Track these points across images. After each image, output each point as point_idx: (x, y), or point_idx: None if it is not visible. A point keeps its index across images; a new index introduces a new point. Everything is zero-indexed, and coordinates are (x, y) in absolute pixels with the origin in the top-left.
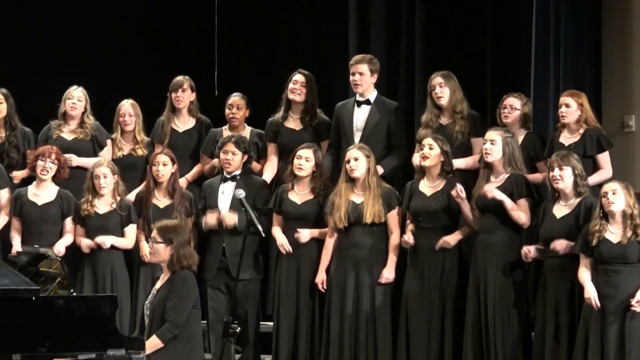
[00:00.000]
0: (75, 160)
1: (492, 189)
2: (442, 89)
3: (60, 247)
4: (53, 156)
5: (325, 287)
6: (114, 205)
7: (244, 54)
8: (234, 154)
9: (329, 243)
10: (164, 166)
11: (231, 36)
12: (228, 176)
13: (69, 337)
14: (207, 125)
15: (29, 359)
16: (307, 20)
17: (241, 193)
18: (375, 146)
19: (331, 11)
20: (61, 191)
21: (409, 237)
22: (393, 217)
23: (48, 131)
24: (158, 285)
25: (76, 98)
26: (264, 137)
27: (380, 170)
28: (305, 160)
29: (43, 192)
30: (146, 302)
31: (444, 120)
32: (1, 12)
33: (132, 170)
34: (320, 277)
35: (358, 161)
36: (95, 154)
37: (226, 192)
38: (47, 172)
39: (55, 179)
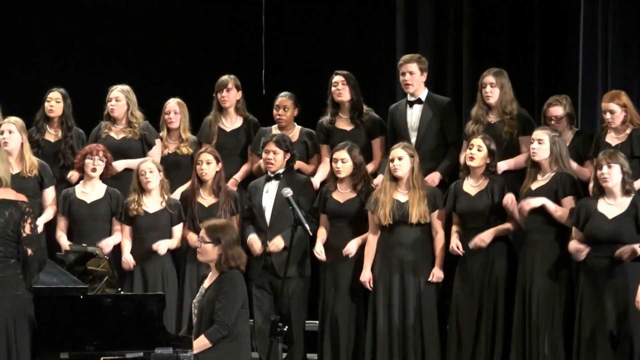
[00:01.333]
0: (118, 166)
1: (528, 203)
2: (493, 89)
3: (107, 243)
4: (101, 154)
5: (371, 286)
6: (164, 204)
7: (292, 52)
8: (275, 153)
9: (372, 241)
10: (207, 165)
11: (279, 34)
12: (272, 175)
13: (117, 336)
14: (255, 125)
15: (77, 357)
16: (354, 19)
17: (288, 192)
18: (432, 144)
19: (378, 9)
20: (109, 189)
21: (457, 244)
22: (437, 217)
23: (98, 131)
24: (206, 284)
25: (114, 99)
26: (315, 139)
27: (437, 179)
28: (341, 162)
29: (91, 191)
30: (194, 301)
31: (492, 118)
32: (51, 13)
33: (176, 169)
34: (367, 276)
35: (402, 160)
36: (144, 154)
37: (270, 191)
38: (96, 169)
39: (102, 176)
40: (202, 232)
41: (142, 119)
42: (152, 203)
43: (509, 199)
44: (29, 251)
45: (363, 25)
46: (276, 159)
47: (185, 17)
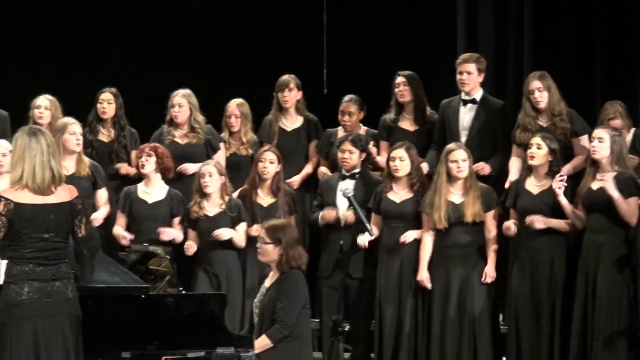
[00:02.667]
0: (190, 168)
1: (610, 181)
2: (542, 94)
3: (167, 231)
4: (147, 149)
5: (429, 284)
6: (223, 207)
7: (353, 50)
8: (351, 152)
9: (427, 240)
10: (270, 164)
11: (340, 33)
12: (346, 174)
13: (178, 335)
14: (315, 124)
15: (139, 356)
16: (415, 18)
17: (350, 192)
18: (481, 145)
19: (439, 8)
20: (171, 191)
21: (510, 226)
22: (492, 217)
23: (160, 135)
24: (267, 283)
25: (177, 105)
26: (377, 135)
27: (488, 169)
28: (399, 160)
29: (153, 191)
30: (255, 300)
31: (542, 122)
32: (110, 14)
33: (237, 169)
34: (424, 275)
35: (465, 162)
36: (208, 158)
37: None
38: (144, 166)
39: (163, 177)
40: (263, 233)
41: (204, 123)
42: (212, 206)
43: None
44: (85, 251)
45: (424, 24)
46: (352, 158)
47: (247, 17)
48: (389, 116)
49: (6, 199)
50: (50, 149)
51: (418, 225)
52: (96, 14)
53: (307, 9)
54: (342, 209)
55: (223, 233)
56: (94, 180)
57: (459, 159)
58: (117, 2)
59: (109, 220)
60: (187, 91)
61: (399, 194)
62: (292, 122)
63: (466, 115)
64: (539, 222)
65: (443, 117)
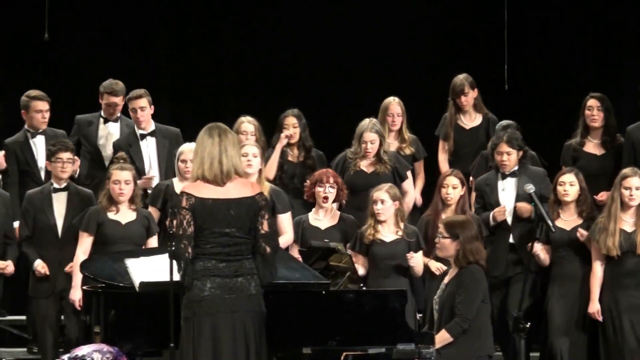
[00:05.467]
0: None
1: None
2: None
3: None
4: (331, 180)
5: (601, 316)
6: (400, 233)
7: (534, 45)
8: (508, 154)
9: (598, 270)
10: (453, 189)
11: (521, 28)
12: (506, 173)
13: (359, 331)
14: (494, 122)
15: (319, 352)
16: (596, 14)
17: (531, 188)
18: None
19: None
20: (343, 215)
21: None
22: None
23: (343, 162)
24: (446, 280)
25: (369, 142)
26: (560, 161)
27: None
28: (569, 185)
29: (325, 217)
30: (434, 297)
31: None
32: (292, 33)
33: None
34: (595, 307)
35: (639, 190)
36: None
37: (507, 189)
38: (328, 198)
39: (336, 201)
40: (441, 228)
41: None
42: (388, 232)
43: None
44: (267, 249)
45: (607, 20)
46: (510, 159)
47: (430, 11)
48: (575, 140)
49: (187, 194)
50: (221, 143)
51: (590, 252)
52: (279, 34)
53: (489, 4)
54: (508, 209)
55: (418, 258)
56: (273, 205)
57: (633, 186)
58: (298, 23)
59: None
60: (380, 130)
61: (567, 221)
62: (471, 119)
63: None
64: None
65: (632, 141)
